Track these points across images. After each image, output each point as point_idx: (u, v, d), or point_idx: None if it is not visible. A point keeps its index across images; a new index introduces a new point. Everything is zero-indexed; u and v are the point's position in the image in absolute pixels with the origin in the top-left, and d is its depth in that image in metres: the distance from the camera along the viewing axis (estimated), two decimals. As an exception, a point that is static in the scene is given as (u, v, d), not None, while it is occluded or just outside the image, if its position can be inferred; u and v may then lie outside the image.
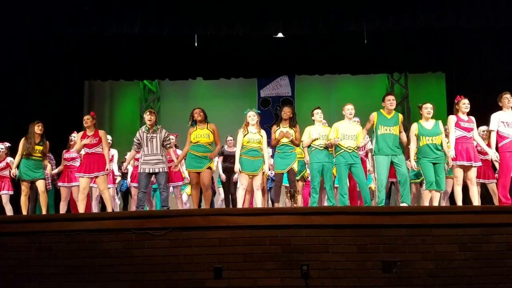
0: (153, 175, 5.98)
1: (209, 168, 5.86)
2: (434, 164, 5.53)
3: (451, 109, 8.93)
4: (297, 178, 6.30)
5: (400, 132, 5.73)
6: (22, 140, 6.18)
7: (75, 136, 6.77)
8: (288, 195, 5.85)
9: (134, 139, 5.99)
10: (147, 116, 5.96)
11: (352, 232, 4.68)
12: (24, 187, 6.14)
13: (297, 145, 6.02)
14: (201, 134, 5.86)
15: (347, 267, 4.61)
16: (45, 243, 4.87)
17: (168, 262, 4.72)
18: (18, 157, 6.14)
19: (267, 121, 10.19)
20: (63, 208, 6.61)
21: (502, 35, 8.56)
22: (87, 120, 6.02)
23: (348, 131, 5.80)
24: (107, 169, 5.93)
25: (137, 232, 4.79)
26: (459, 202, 5.57)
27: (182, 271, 4.70)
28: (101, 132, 6.03)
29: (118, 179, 7.08)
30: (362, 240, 4.66)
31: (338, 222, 4.72)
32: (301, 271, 4.59)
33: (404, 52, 9.52)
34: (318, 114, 6.05)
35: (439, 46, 9.39)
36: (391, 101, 5.70)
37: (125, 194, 7.56)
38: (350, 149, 5.75)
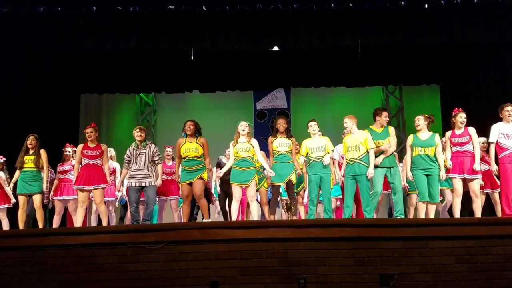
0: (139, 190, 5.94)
1: (201, 178, 5.83)
2: (428, 176, 5.57)
3: (446, 121, 9.09)
4: (298, 190, 6.29)
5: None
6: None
7: (70, 151, 6.73)
8: (285, 207, 5.83)
9: (125, 157, 5.99)
10: (137, 133, 5.98)
11: (349, 244, 4.68)
12: (21, 201, 6.09)
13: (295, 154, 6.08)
14: (189, 149, 5.85)
15: (344, 280, 4.59)
16: (40, 258, 4.83)
17: (164, 276, 4.68)
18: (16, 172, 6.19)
19: (263, 134, 10.19)
20: (56, 222, 6.53)
21: (495, 48, 8.67)
22: (91, 133, 5.99)
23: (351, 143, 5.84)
24: (108, 182, 5.93)
25: (132, 246, 4.76)
26: (457, 214, 5.58)
27: (178, 285, 4.66)
28: (104, 146, 6.03)
29: (119, 194, 7.05)
30: (359, 252, 4.65)
31: (335, 235, 4.72)
32: (298, 284, 4.57)
33: (398, 65, 9.60)
34: (312, 127, 6.05)
35: (433, 59, 9.48)
36: (385, 117, 5.90)
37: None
38: (352, 161, 5.75)
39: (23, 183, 6.07)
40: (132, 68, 9.55)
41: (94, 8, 7.77)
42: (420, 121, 5.73)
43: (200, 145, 5.86)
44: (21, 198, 6.10)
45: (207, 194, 7.09)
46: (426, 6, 7.77)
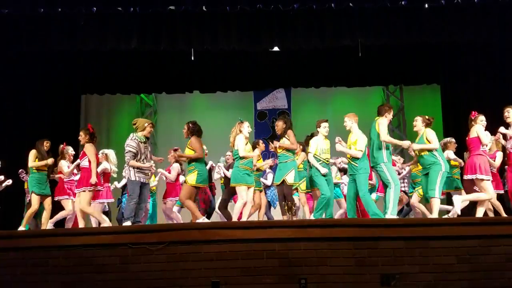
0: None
1: (185, 181, 5.76)
2: (426, 175, 5.56)
3: (447, 120, 9.10)
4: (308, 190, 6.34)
5: None
6: (35, 153, 6.12)
7: (71, 149, 6.70)
8: (285, 208, 5.81)
9: (131, 149, 5.58)
10: (150, 128, 5.78)
11: (350, 244, 4.67)
12: (37, 202, 6.07)
13: (294, 149, 5.99)
14: None
15: (345, 280, 4.58)
16: (41, 259, 4.82)
17: (165, 276, 4.68)
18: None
19: (264, 134, 10.21)
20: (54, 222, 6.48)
21: (495, 47, 8.67)
22: (79, 137, 5.92)
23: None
24: (91, 183, 5.66)
25: (133, 246, 4.76)
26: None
27: (179, 286, 4.66)
28: (86, 146, 5.82)
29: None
30: (360, 252, 4.64)
31: (335, 235, 4.71)
32: (299, 284, 4.57)
33: (399, 64, 9.60)
34: (325, 128, 5.95)
35: (433, 58, 9.48)
36: (391, 116, 5.84)
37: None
38: (348, 162, 5.81)
39: (42, 185, 6.10)
40: (132, 69, 9.56)
41: (95, 8, 7.78)
42: (417, 123, 5.69)
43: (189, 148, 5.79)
44: (38, 200, 6.10)
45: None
46: (427, 5, 7.77)
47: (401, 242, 4.66)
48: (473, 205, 5.87)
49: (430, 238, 4.67)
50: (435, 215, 5.40)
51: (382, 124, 5.51)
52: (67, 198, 6.58)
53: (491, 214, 6.32)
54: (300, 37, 8.02)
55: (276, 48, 8.72)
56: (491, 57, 8.91)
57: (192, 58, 8.53)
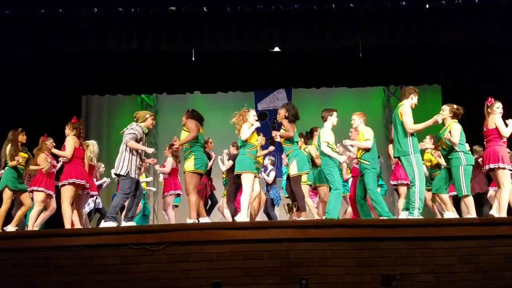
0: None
1: (184, 171, 5.44)
2: (449, 169, 5.41)
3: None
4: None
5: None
6: (9, 147, 5.92)
7: (51, 140, 6.47)
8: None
9: (135, 132, 5.37)
10: (152, 120, 5.61)
11: (351, 245, 4.67)
12: (9, 199, 5.84)
13: (291, 136, 5.65)
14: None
15: (346, 281, 4.58)
16: (42, 259, 4.83)
17: (165, 277, 4.68)
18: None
19: (265, 134, 10.14)
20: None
21: (496, 48, 8.67)
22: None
23: None
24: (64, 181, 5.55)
25: (134, 247, 4.76)
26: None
27: (180, 286, 4.66)
28: (67, 138, 5.74)
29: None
30: (361, 253, 4.64)
31: (336, 235, 4.71)
32: (300, 285, 4.57)
33: (399, 65, 9.60)
34: (336, 118, 5.77)
35: (434, 59, 9.48)
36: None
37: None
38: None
39: (15, 180, 5.86)
40: (133, 69, 9.57)
41: (95, 9, 7.80)
42: (444, 112, 5.44)
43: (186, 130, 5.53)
44: (10, 196, 5.87)
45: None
46: (427, 6, 7.78)
47: (402, 243, 4.66)
48: (477, 206, 5.86)
49: (431, 238, 4.67)
50: (473, 214, 5.26)
51: (405, 114, 5.17)
52: (41, 191, 6.15)
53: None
54: (300, 38, 8.04)
55: (276, 49, 8.73)
56: (491, 57, 8.91)
57: (193, 59, 8.54)
